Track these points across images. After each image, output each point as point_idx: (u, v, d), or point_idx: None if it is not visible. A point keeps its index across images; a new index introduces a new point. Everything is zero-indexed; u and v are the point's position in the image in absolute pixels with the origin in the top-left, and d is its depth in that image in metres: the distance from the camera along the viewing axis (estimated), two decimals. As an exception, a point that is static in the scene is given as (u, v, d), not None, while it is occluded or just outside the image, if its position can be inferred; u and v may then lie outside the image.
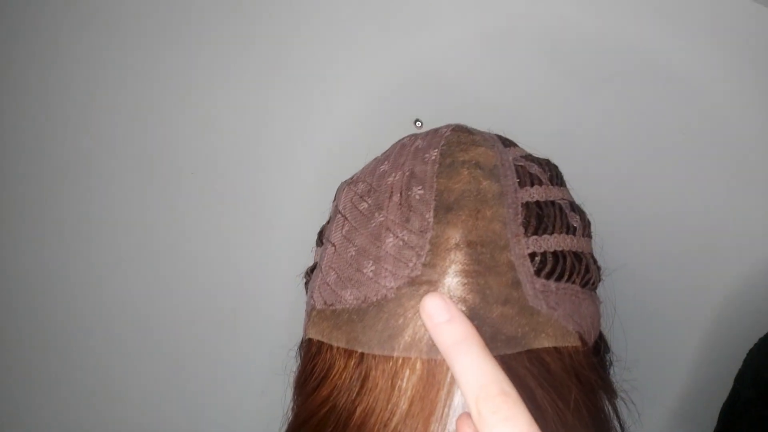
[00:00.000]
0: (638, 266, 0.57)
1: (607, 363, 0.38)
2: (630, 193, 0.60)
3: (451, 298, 0.30)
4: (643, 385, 0.40)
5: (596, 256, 0.38)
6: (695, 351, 0.59)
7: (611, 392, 0.36)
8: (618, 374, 0.38)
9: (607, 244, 0.41)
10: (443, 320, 0.28)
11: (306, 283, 0.39)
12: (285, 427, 0.35)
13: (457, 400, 0.29)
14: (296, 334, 0.39)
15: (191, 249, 0.65)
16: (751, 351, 0.50)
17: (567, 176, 0.39)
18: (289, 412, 0.36)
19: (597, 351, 0.36)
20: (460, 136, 0.35)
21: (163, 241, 0.65)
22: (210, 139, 0.64)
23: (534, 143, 0.40)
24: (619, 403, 0.36)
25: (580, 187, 0.40)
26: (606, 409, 0.35)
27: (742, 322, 0.57)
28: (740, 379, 0.50)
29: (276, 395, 0.55)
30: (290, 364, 0.40)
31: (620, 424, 0.36)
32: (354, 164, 0.40)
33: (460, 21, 0.62)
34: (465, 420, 0.28)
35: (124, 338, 0.64)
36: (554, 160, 0.39)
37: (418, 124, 0.61)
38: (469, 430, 0.27)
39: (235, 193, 0.64)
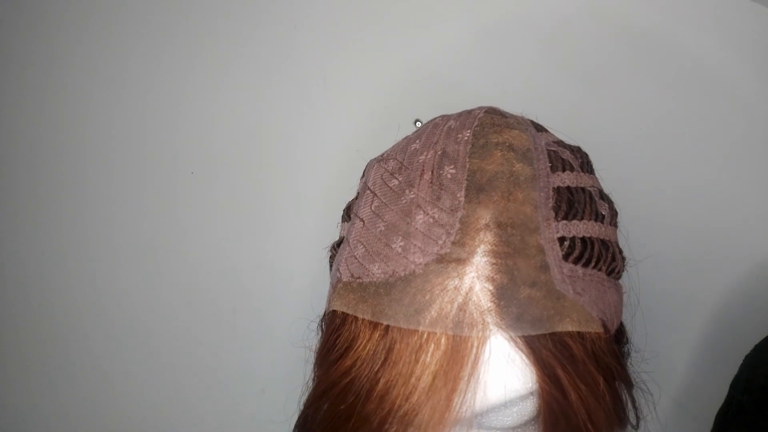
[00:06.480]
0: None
1: (625, 353, 0.38)
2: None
3: (478, 277, 0.30)
4: (657, 377, 0.40)
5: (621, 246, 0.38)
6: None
7: (628, 382, 0.36)
8: (635, 365, 0.38)
9: (631, 236, 0.41)
10: None
11: (331, 258, 0.39)
12: (305, 396, 0.36)
13: (481, 376, 0.29)
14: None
15: (191, 248, 0.64)
16: (747, 357, 0.50)
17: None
18: (310, 383, 0.36)
19: (618, 339, 0.36)
20: (494, 118, 0.35)
21: (163, 239, 0.64)
22: (209, 139, 0.64)
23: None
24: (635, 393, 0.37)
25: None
26: (623, 397, 0.36)
27: (751, 326, 0.57)
28: (735, 384, 0.49)
29: (276, 394, 0.55)
30: (307, 339, 0.40)
31: (636, 415, 0.37)
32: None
33: (460, 20, 0.62)
34: None
35: (124, 337, 0.64)
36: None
37: (418, 124, 0.61)
38: None
39: (234, 192, 0.64)
